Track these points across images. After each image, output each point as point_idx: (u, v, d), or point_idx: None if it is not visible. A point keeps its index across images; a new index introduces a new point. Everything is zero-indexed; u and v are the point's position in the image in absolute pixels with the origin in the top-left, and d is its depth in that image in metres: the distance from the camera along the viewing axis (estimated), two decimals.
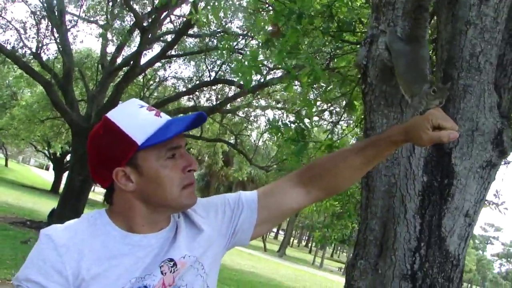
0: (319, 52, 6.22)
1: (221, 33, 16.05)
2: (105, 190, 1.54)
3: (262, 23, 5.47)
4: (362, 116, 6.78)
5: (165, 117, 1.49)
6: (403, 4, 2.62)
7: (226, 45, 6.20)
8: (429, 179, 2.67)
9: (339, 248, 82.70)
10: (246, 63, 4.83)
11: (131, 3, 15.76)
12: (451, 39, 2.68)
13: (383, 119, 2.70)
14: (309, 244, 76.01)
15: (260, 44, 5.42)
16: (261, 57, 5.51)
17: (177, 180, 1.47)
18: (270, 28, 5.10)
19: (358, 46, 5.42)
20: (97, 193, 37.97)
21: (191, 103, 21.30)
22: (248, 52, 14.82)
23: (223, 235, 1.65)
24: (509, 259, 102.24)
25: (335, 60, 6.19)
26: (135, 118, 1.45)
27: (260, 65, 4.88)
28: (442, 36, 2.82)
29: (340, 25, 4.68)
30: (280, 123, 5.70)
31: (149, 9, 17.37)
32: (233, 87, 20.13)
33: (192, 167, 1.50)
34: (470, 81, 2.63)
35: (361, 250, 2.83)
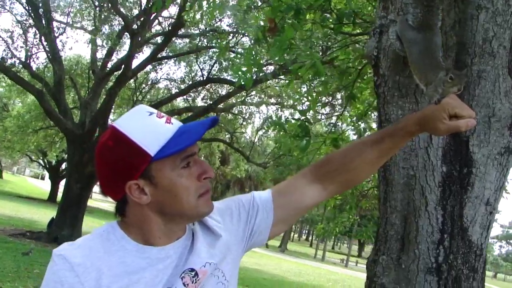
0: (317, 46, 6.17)
1: (212, 32, 15.99)
2: (114, 201, 1.47)
3: (258, 20, 5.42)
4: (366, 109, 6.80)
5: (176, 124, 1.42)
6: None
7: (223, 44, 6.12)
8: (448, 169, 2.61)
9: (339, 240, 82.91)
10: (244, 61, 4.78)
11: (118, 7, 15.67)
12: (463, 24, 2.62)
13: (398, 110, 2.64)
14: (310, 238, 76.12)
15: (254, 41, 5.35)
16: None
17: (193, 190, 1.41)
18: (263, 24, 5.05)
19: (358, 37, 5.39)
20: (94, 199, 37.87)
21: (185, 104, 21.29)
22: (241, 50, 14.83)
23: (240, 238, 1.61)
24: (508, 240, 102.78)
25: (333, 54, 6.15)
26: (146, 128, 1.38)
27: (260, 63, 4.82)
28: (446, 23, 2.76)
29: (339, 17, 4.63)
30: (282, 119, 5.66)
31: (136, 11, 17.30)
32: (226, 86, 20.14)
33: (207, 175, 1.45)
34: (484, 66, 2.57)
35: (382, 246, 2.77)
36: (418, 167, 2.62)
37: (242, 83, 4.74)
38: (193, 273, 1.43)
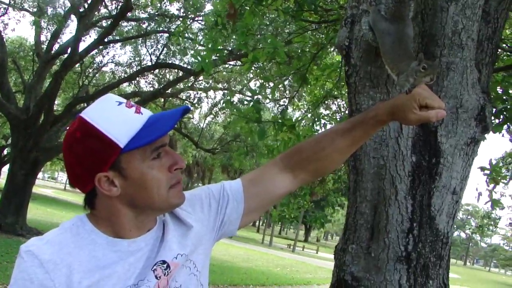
0: (281, 33, 6.17)
1: (160, 16, 15.77)
2: (80, 191, 1.41)
3: (217, 5, 5.36)
4: (323, 96, 6.87)
5: (146, 114, 1.38)
6: None
7: (181, 28, 6.05)
8: (418, 159, 2.65)
9: (286, 225, 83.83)
10: (204, 46, 4.73)
11: None
12: (433, 16, 2.65)
13: (369, 100, 2.65)
14: (257, 224, 76.65)
15: (211, 27, 5.30)
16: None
17: (164, 181, 1.38)
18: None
19: (319, 25, 5.41)
20: (38, 186, 36.96)
21: (133, 89, 20.98)
22: (191, 36, 14.66)
23: (211, 228, 1.59)
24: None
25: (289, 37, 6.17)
26: (115, 118, 1.33)
27: (219, 48, 4.78)
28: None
29: (300, 4, 4.63)
30: (236, 101, 5.65)
31: None
32: (173, 71, 19.93)
33: (178, 165, 1.41)
34: (453, 58, 2.62)
35: (351, 235, 2.80)
36: (389, 157, 2.65)
37: (202, 68, 4.69)
38: (165, 265, 1.41)
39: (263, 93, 6.09)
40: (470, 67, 2.66)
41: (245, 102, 5.33)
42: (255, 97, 5.28)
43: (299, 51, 6.12)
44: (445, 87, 2.65)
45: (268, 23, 5.44)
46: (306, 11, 4.75)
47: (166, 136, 1.38)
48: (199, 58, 4.69)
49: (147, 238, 1.42)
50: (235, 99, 17.88)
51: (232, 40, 5.27)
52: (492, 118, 4.11)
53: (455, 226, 2.87)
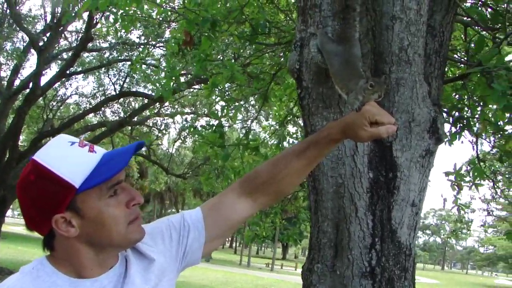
0: (239, 58, 6.22)
1: (122, 45, 15.72)
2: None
3: (173, 33, 5.40)
4: (286, 115, 6.91)
5: (100, 152, 1.39)
6: (330, 6, 2.62)
7: (138, 57, 6.06)
8: (375, 175, 2.70)
9: (263, 244, 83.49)
10: (163, 74, 4.76)
11: (22, 22, 15.10)
12: (379, 34, 2.71)
13: (323, 121, 2.69)
14: (234, 245, 76.22)
15: (170, 54, 5.33)
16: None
17: (122, 218, 1.39)
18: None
19: (276, 47, 5.47)
20: (8, 224, 36.16)
21: (98, 119, 20.79)
22: (153, 62, 14.63)
23: (174, 259, 1.59)
24: (425, 231, 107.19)
25: (247, 60, 6.22)
26: (68, 158, 1.33)
27: (177, 75, 4.80)
28: (359, 30, 2.85)
29: (254, 28, 4.68)
30: (199, 126, 5.67)
31: (40, 27, 16.75)
32: (139, 99, 19.83)
33: (136, 201, 1.43)
34: (402, 74, 2.68)
35: (316, 254, 2.82)
36: (346, 175, 2.69)
37: (161, 95, 4.71)
38: None
39: (228, 116, 6.12)
40: (419, 81, 2.72)
41: (208, 128, 5.34)
42: (218, 121, 5.32)
43: (258, 72, 6.17)
44: (396, 102, 2.70)
45: (224, 48, 5.48)
46: (260, 34, 4.80)
47: (121, 173, 1.39)
48: (158, 86, 4.71)
49: (109, 276, 1.42)
50: (202, 122, 17.91)
51: (192, 66, 5.28)
52: (450, 127, 4.22)
53: (417, 237, 2.91)
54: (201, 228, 1.62)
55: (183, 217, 1.64)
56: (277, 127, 7.08)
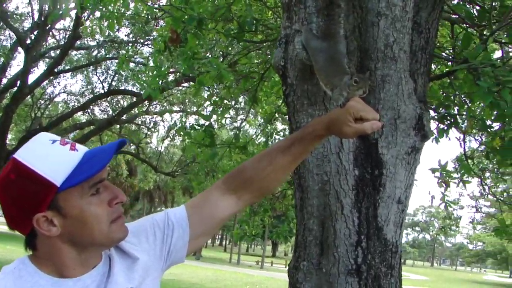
0: (219, 53, 6.20)
1: (110, 43, 15.66)
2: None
3: (160, 31, 5.37)
4: (274, 112, 6.90)
5: (81, 150, 1.37)
6: (315, 2, 2.60)
7: (124, 56, 6.03)
8: (361, 172, 2.69)
9: (253, 242, 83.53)
10: (150, 73, 4.73)
11: (9, 20, 15.01)
12: (364, 31, 2.70)
13: (308, 118, 2.68)
14: (224, 243, 76.22)
15: (157, 52, 5.31)
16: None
17: (104, 216, 1.37)
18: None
19: (263, 44, 5.45)
20: None
21: (87, 117, 20.71)
22: (141, 60, 14.59)
23: (158, 258, 1.58)
24: (414, 228, 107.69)
25: (235, 58, 6.20)
26: (49, 157, 1.32)
27: (165, 73, 4.78)
28: (345, 28, 2.84)
29: (241, 25, 4.66)
30: (187, 126, 5.65)
31: (28, 25, 16.65)
32: (127, 97, 19.78)
33: (119, 199, 1.42)
34: (387, 70, 2.67)
35: (302, 252, 2.81)
36: (332, 172, 2.68)
37: (149, 95, 4.68)
38: None
39: (218, 116, 6.11)
40: (405, 78, 2.71)
41: (197, 128, 5.32)
42: (207, 122, 5.30)
43: (247, 71, 6.15)
44: (382, 99, 2.70)
45: (211, 46, 5.46)
46: (247, 32, 4.78)
47: (103, 171, 1.37)
48: (145, 85, 4.68)
49: (93, 275, 1.40)
50: (192, 120, 17.85)
51: (178, 64, 5.26)
52: (437, 124, 4.23)
53: (403, 234, 2.91)
54: (186, 226, 1.60)
55: (167, 215, 1.62)
56: (265, 124, 7.07)
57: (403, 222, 2.80)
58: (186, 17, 4.36)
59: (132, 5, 5.03)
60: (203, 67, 4.62)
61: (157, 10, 4.95)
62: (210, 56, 5.52)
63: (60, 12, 5.16)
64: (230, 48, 6.28)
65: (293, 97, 2.72)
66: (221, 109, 5.95)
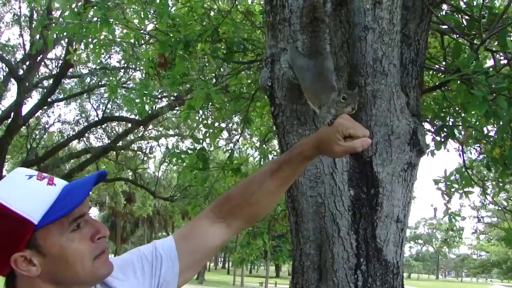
0: (209, 75, 6.15)
1: (102, 70, 15.64)
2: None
3: (147, 55, 5.34)
4: (267, 132, 6.82)
5: (60, 184, 1.29)
6: (299, 19, 2.52)
7: (113, 83, 5.99)
8: (356, 192, 2.60)
9: (256, 263, 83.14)
10: (137, 93, 4.70)
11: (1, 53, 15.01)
12: (352, 46, 2.63)
13: (298, 138, 2.60)
14: (226, 265, 75.84)
15: (146, 76, 5.27)
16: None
17: (87, 253, 1.29)
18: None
19: (252, 65, 5.40)
20: None
21: (82, 146, 20.65)
22: (133, 85, 14.59)
23: None
24: (416, 240, 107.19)
25: (226, 81, 6.15)
26: (26, 193, 1.24)
27: (152, 93, 4.74)
28: (334, 43, 2.77)
29: (229, 46, 4.61)
30: (179, 150, 5.61)
31: (20, 56, 16.63)
32: (122, 123, 19.72)
33: (101, 234, 1.33)
34: (378, 85, 2.60)
35: (300, 278, 2.71)
36: (326, 193, 2.58)
37: (136, 113, 4.66)
38: None
39: (210, 139, 6.05)
40: (396, 93, 2.64)
41: (190, 152, 5.27)
42: (200, 146, 5.26)
43: (238, 92, 6.09)
44: (374, 115, 2.62)
45: (200, 68, 5.41)
46: (235, 52, 4.73)
47: (84, 205, 1.29)
48: (133, 103, 4.65)
49: None
50: (187, 143, 17.81)
51: (166, 87, 5.22)
52: (433, 137, 4.14)
53: (406, 248, 2.81)
54: (174, 257, 1.52)
55: (155, 247, 1.54)
56: (260, 144, 7.00)
57: (403, 242, 2.70)
58: (172, 40, 4.30)
59: (117, 32, 4.98)
60: (192, 88, 4.57)
61: (143, 36, 4.89)
62: (202, 78, 5.46)
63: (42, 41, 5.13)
64: (222, 70, 6.22)
65: (282, 117, 2.63)
66: (212, 131, 5.88)
